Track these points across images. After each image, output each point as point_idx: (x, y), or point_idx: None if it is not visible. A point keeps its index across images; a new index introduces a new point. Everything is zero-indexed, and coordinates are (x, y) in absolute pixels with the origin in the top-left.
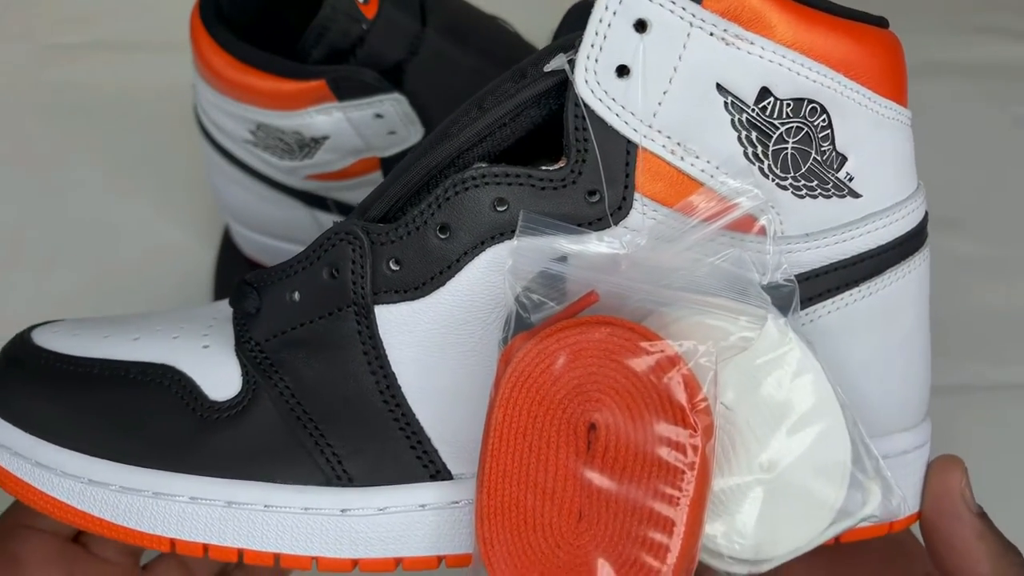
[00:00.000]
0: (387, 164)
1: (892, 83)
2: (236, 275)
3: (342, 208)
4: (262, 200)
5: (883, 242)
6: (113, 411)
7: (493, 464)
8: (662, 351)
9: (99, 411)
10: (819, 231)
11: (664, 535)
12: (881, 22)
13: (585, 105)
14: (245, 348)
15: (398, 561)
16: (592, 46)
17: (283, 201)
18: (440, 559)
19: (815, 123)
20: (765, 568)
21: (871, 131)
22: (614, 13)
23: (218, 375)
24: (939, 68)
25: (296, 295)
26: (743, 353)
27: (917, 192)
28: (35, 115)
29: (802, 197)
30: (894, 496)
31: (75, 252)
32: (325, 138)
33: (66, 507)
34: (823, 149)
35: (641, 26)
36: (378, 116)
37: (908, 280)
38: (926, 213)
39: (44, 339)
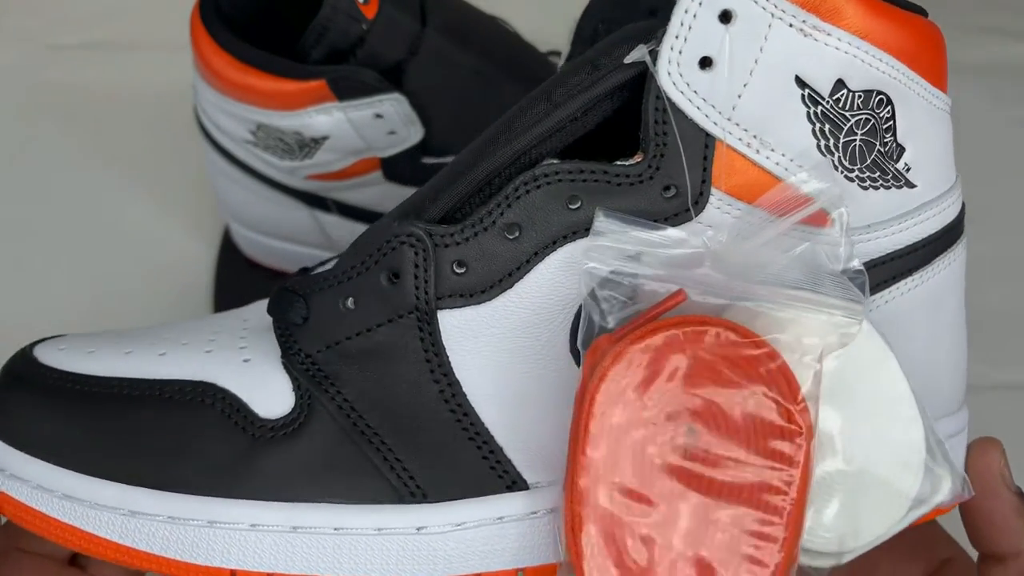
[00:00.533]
0: (387, 164)
1: (941, 72)
2: (236, 275)
3: (342, 208)
4: (262, 200)
5: (932, 231)
6: (151, 435)
7: (586, 471)
8: (762, 351)
9: (135, 436)
10: (879, 222)
11: (769, 536)
12: (922, 11)
13: (667, 98)
14: (295, 360)
15: None
16: (677, 37)
17: (283, 201)
18: (519, 571)
19: (881, 114)
20: (846, 559)
21: (926, 121)
22: (700, 3)
23: (266, 390)
24: None
25: (350, 302)
26: (805, 340)
27: (957, 182)
28: (35, 115)
29: (866, 188)
30: (961, 481)
31: (75, 252)
32: (325, 138)
33: (106, 543)
34: (886, 140)
35: (726, 17)
36: (378, 116)
37: (951, 269)
38: (963, 203)
39: (52, 358)
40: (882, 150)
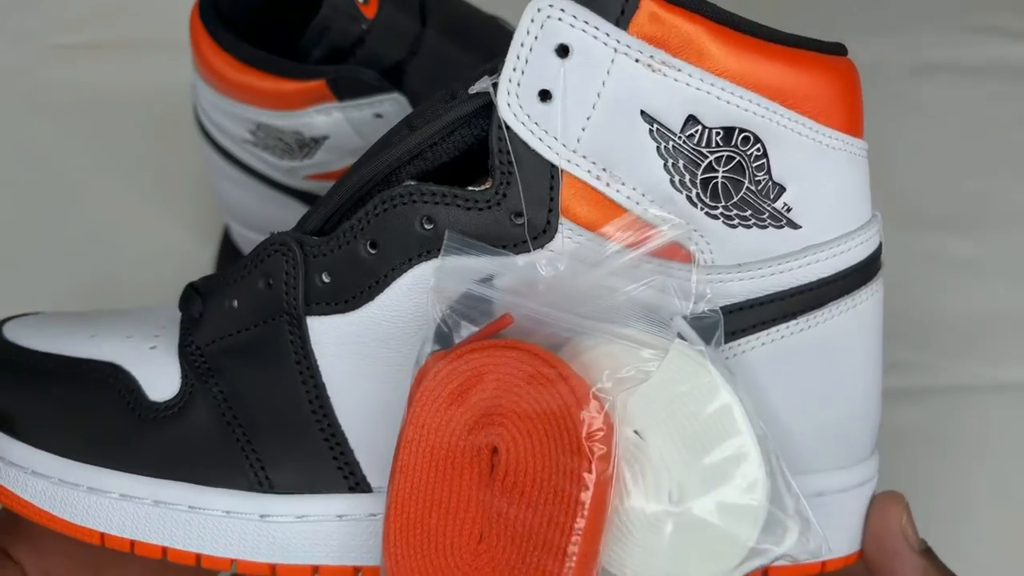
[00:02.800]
0: None
1: (841, 113)
2: None
3: None
4: (262, 200)
5: (824, 275)
6: (61, 407)
7: (402, 481)
8: (564, 379)
9: (49, 406)
10: (753, 261)
11: (556, 563)
12: (837, 49)
13: (508, 128)
14: (187, 352)
15: (315, 568)
16: (514, 70)
17: (283, 201)
18: (357, 570)
19: (748, 152)
20: None
21: (813, 161)
22: (535, 38)
23: (160, 376)
24: (939, 68)
25: (235, 302)
26: (662, 382)
27: (870, 224)
28: (35, 115)
29: (734, 227)
30: (813, 536)
31: (75, 252)
32: (325, 138)
33: (12, 496)
34: (758, 179)
35: (563, 51)
36: (378, 116)
37: (853, 314)
38: (879, 244)
39: (14, 332)
40: (753, 188)
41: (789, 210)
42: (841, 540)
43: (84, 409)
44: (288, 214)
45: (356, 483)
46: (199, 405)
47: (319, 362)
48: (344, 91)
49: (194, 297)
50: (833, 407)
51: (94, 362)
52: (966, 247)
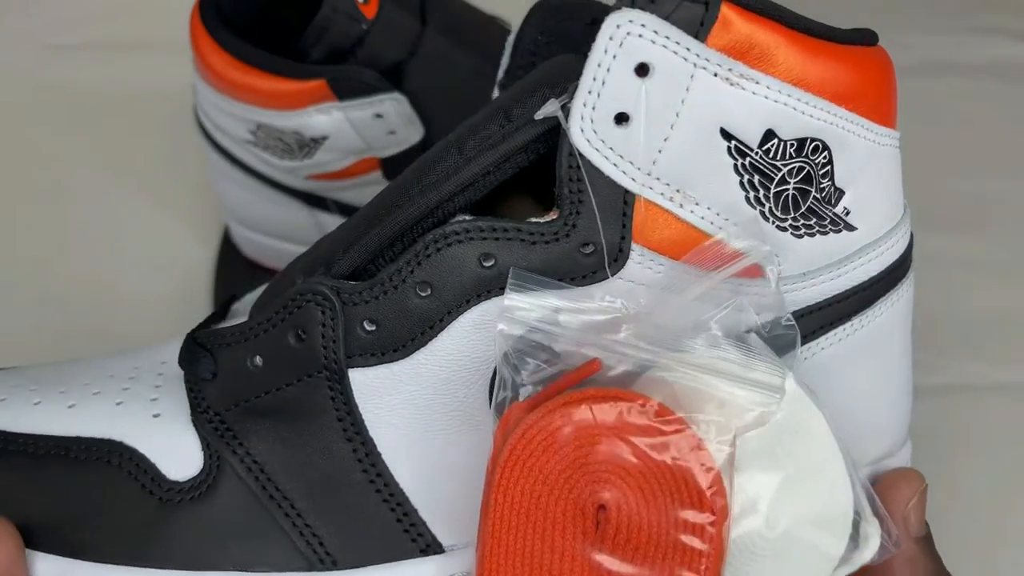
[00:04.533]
0: (387, 164)
1: (885, 107)
2: (236, 275)
3: (342, 208)
4: (262, 200)
5: (875, 273)
6: (56, 498)
7: (494, 545)
8: (676, 430)
9: (39, 498)
10: (816, 268)
11: None
12: (871, 38)
13: (581, 155)
14: (203, 418)
15: None
16: (590, 93)
17: (283, 201)
18: None
19: (817, 161)
20: None
21: (868, 162)
22: (614, 57)
23: (175, 450)
24: (939, 68)
25: (258, 359)
26: (721, 419)
27: (904, 218)
28: (35, 115)
29: (800, 236)
30: (892, 535)
31: (74, 252)
32: (325, 138)
33: None
34: (823, 186)
35: (643, 70)
36: (378, 116)
37: (896, 309)
38: (912, 237)
39: None
40: (818, 196)
41: (848, 213)
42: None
43: (88, 498)
44: (288, 214)
45: (427, 545)
46: (230, 478)
47: (365, 417)
48: (344, 91)
49: (201, 355)
50: (884, 400)
51: (86, 440)
52: (966, 247)
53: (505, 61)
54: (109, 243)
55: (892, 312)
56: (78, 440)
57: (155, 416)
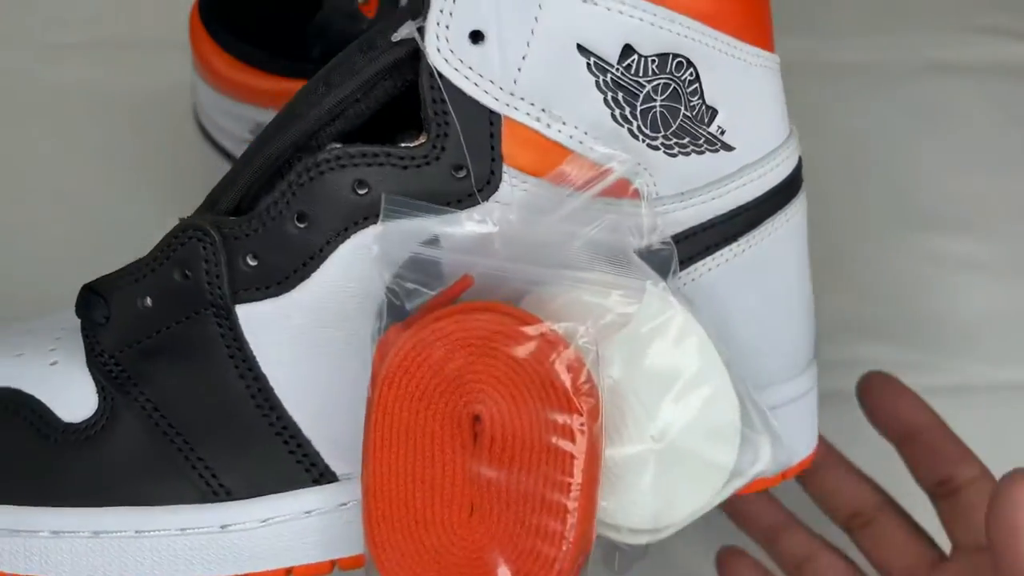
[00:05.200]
0: None
1: (758, 28)
2: None
3: None
4: None
5: (759, 194)
6: None
7: (376, 464)
8: (542, 334)
9: None
10: (693, 188)
11: (558, 521)
12: None
13: (440, 75)
14: (97, 362)
15: (288, 571)
16: (442, 11)
17: None
18: (333, 563)
19: (682, 78)
20: (665, 535)
21: (740, 81)
22: None
23: (71, 394)
24: (939, 68)
25: (148, 300)
26: (628, 324)
27: (789, 139)
28: (35, 115)
29: (674, 156)
30: (783, 448)
31: (74, 252)
32: None
33: None
34: (692, 104)
35: None
36: None
37: (786, 230)
38: (800, 160)
39: None
40: (688, 114)
41: (723, 133)
42: (798, 446)
43: None
44: None
45: (320, 474)
46: (125, 418)
47: (255, 352)
48: None
49: (94, 300)
50: (779, 321)
51: None
52: (966, 247)
53: None
54: (108, 243)
55: (781, 234)
56: None
57: (52, 364)
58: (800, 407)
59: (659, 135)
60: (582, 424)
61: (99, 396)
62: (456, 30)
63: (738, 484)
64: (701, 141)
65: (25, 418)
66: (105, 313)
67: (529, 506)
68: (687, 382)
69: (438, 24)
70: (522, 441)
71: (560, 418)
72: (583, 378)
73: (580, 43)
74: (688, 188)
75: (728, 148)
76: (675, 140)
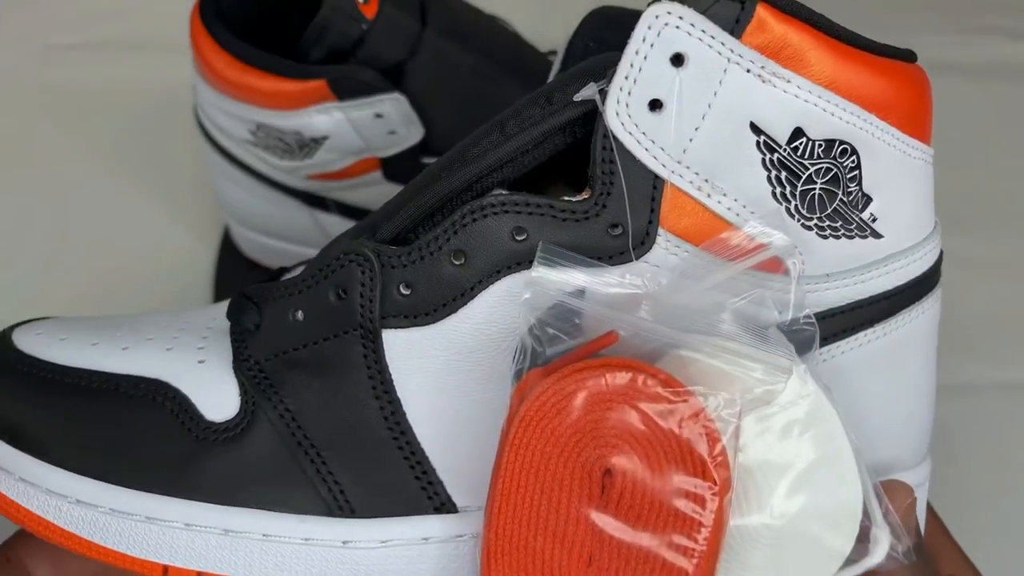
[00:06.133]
0: (387, 164)
1: (919, 122)
2: (236, 275)
3: (342, 208)
4: (262, 200)
5: (900, 283)
6: (102, 428)
7: (503, 503)
8: (684, 400)
9: (88, 427)
10: (840, 271)
11: None
12: (909, 56)
13: (614, 138)
14: (244, 366)
15: None
16: (626, 78)
17: (283, 201)
18: None
19: (844, 164)
20: None
21: (897, 172)
22: (651, 45)
23: (215, 394)
24: (939, 68)
25: (300, 314)
26: (726, 395)
27: (934, 232)
28: (35, 115)
29: (826, 238)
30: (901, 544)
31: (75, 252)
32: (325, 138)
33: (53, 527)
34: (850, 190)
35: (678, 60)
36: (378, 116)
37: (920, 321)
38: (941, 253)
39: (27, 343)
40: (845, 199)
41: (875, 220)
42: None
43: (131, 431)
44: (288, 214)
45: (441, 503)
46: (263, 424)
47: (394, 377)
48: (344, 91)
49: (248, 306)
50: (902, 411)
51: (136, 378)
52: (966, 247)
53: (556, 67)
54: (109, 243)
55: (915, 325)
56: (128, 378)
57: (200, 362)
58: (921, 494)
59: (814, 216)
60: (714, 493)
61: (241, 399)
62: (637, 97)
63: (851, 573)
64: (853, 227)
65: (171, 411)
66: (256, 320)
67: (648, 566)
68: (813, 465)
69: (621, 89)
70: (651, 501)
71: (692, 484)
72: (719, 449)
73: (753, 121)
74: (835, 270)
75: (877, 236)
76: (828, 223)
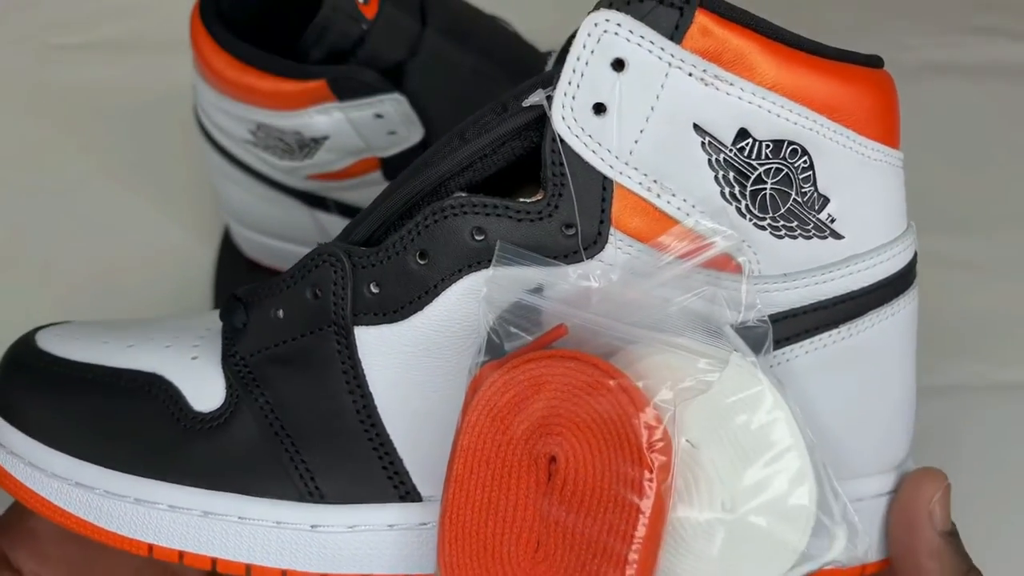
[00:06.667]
0: (387, 164)
1: (881, 125)
2: (236, 275)
3: (342, 208)
4: (262, 200)
5: (865, 284)
6: (103, 417)
7: (456, 490)
8: (624, 389)
9: (90, 416)
10: (798, 271)
11: (618, 571)
12: (874, 61)
13: (562, 140)
14: (230, 362)
15: None
16: (569, 83)
17: (283, 201)
18: None
19: (795, 164)
20: None
21: (856, 173)
22: (592, 52)
23: (203, 387)
24: (939, 68)
25: (280, 312)
26: (713, 392)
27: (906, 233)
28: (35, 115)
29: (781, 237)
30: (860, 542)
31: (75, 252)
32: (325, 138)
33: (53, 507)
34: (804, 190)
35: (619, 65)
36: (378, 116)
37: (891, 323)
38: (915, 254)
39: (47, 341)
40: (799, 199)
41: (833, 221)
42: (881, 543)
43: (127, 419)
44: (288, 214)
45: (406, 492)
46: (245, 415)
47: (366, 372)
48: (344, 91)
49: (237, 307)
50: (872, 413)
51: (134, 372)
52: (966, 247)
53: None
54: (109, 243)
55: (885, 326)
56: (128, 372)
57: (193, 358)
58: (886, 503)
59: (767, 216)
60: (651, 480)
61: (227, 392)
62: (581, 102)
63: (807, 569)
64: (810, 227)
65: (163, 401)
66: (243, 320)
67: (591, 552)
68: (765, 459)
69: (565, 95)
70: (592, 488)
71: (631, 471)
72: (658, 436)
73: (697, 123)
74: (792, 270)
75: (837, 236)
76: (783, 223)
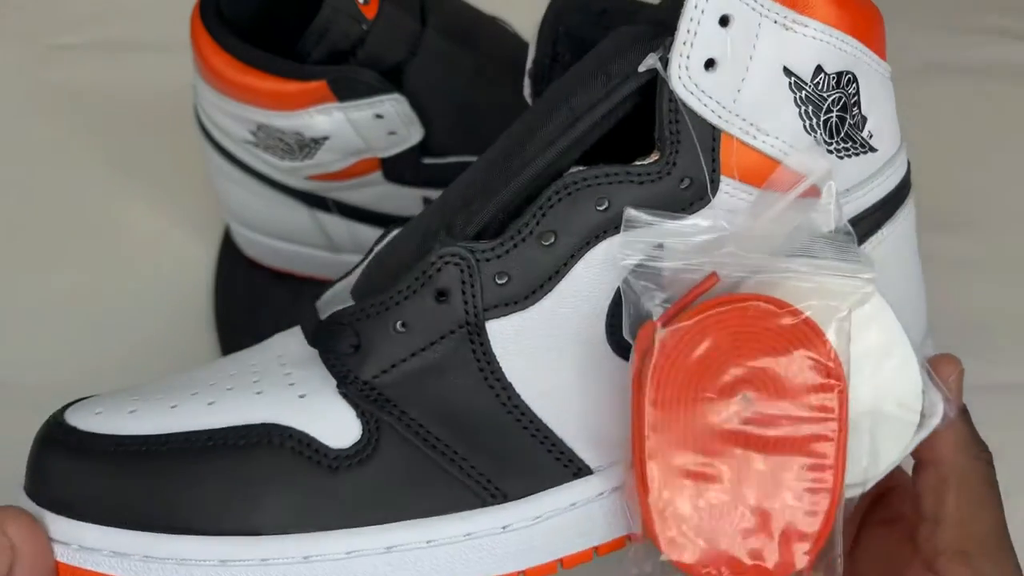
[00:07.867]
0: (387, 164)
1: (883, 44)
2: (236, 275)
3: (342, 208)
4: (262, 200)
5: (890, 189)
6: (225, 484)
7: (649, 450)
8: (801, 318)
9: (210, 486)
10: (853, 186)
11: (821, 488)
12: None
13: (680, 100)
14: (352, 389)
15: (559, 562)
16: (684, 43)
17: (283, 201)
18: (594, 550)
19: (850, 91)
20: (870, 486)
21: (879, 92)
22: (703, 12)
23: (330, 422)
24: (939, 68)
25: (400, 325)
26: (832, 303)
27: (902, 140)
28: (35, 115)
29: (842, 158)
30: (948, 403)
31: (75, 252)
32: (325, 138)
33: None
34: (854, 113)
35: (724, 21)
36: (378, 116)
37: (908, 220)
38: (908, 161)
39: (91, 423)
40: (852, 122)
41: (871, 137)
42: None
43: (256, 478)
44: (288, 214)
45: (578, 469)
46: (392, 438)
47: (502, 364)
48: (345, 91)
49: (343, 331)
50: (911, 297)
51: (241, 427)
52: (966, 247)
53: (532, 52)
54: (109, 243)
55: (906, 223)
56: (232, 429)
57: (301, 396)
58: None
59: (834, 141)
60: (839, 392)
61: (361, 421)
62: (695, 59)
63: (922, 436)
64: (858, 145)
65: (292, 449)
66: (353, 342)
67: (794, 471)
68: (884, 354)
69: (681, 55)
70: (788, 413)
71: (821, 387)
72: (835, 353)
73: (785, 65)
74: (850, 185)
75: (873, 150)
76: (843, 145)
